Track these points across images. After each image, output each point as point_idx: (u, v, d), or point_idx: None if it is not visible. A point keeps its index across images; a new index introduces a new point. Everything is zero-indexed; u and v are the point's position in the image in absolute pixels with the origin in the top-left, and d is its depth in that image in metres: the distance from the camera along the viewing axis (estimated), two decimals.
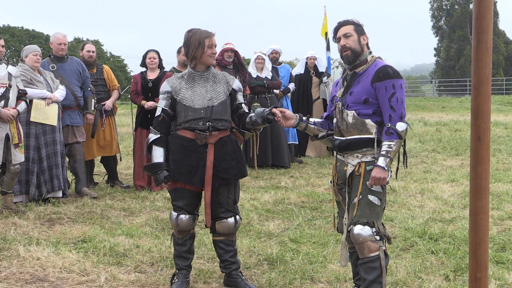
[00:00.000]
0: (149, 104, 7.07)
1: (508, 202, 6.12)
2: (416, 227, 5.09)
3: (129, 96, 7.56)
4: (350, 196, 3.36)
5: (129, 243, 4.75)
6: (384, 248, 3.27)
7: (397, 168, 3.47)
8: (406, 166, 3.49)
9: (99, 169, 8.39)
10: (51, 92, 6.38)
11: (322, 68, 10.19)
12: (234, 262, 3.85)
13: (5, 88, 5.67)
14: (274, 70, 9.36)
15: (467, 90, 36.53)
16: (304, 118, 3.60)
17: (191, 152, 3.71)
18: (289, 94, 9.94)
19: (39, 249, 4.54)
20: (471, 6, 47.85)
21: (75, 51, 28.36)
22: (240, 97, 3.90)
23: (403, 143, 3.37)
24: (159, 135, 3.79)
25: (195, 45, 3.70)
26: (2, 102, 5.61)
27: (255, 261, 4.34)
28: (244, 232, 5.11)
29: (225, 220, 3.78)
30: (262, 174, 8.31)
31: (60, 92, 6.47)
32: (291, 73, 9.88)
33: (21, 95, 5.87)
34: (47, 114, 6.27)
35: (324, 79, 10.02)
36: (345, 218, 3.40)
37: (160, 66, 7.39)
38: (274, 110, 3.61)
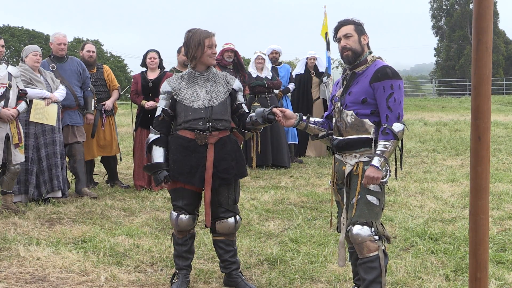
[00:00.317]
0: (149, 104, 7.07)
1: (508, 202, 6.12)
2: (416, 227, 5.09)
3: (129, 96, 7.56)
4: (349, 196, 3.37)
5: (129, 243, 4.76)
6: (383, 248, 3.28)
7: (396, 169, 3.47)
8: (401, 168, 3.49)
9: (99, 169, 8.39)
10: (51, 92, 6.38)
11: (322, 68, 10.19)
12: (234, 262, 3.85)
13: (5, 88, 5.67)
14: (274, 70, 9.36)
15: (467, 90, 36.53)
16: (304, 117, 3.60)
17: (191, 152, 3.71)
18: (289, 94, 9.94)
19: (39, 249, 4.54)
20: (471, 6, 47.84)
21: (75, 51, 28.37)
22: (240, 97, 3.90)
23: (400, 144, 3.37)
24: (159, 135, 3.79)
25: (195, 45, 3.70)
26: (2, 102, 5.61)
27: (255, 261, 4.34)
28: (244, 232, 5.11)
29: (225, 220, 3.78)
30: (262, 174, 8.31)
31: (60, 92, 6.47)
32: (291, 73, 9.88)
33: (21, 95, 5.87)
34: (46, 114, 6.27)
35: (324, 79, 10.02)
36: (343, 218, 3.40)
37: (161, 66, 7.39)
38: (275, 109, 3.61)
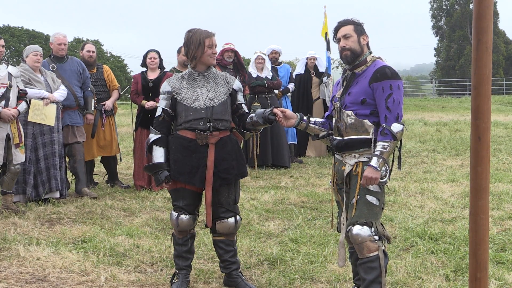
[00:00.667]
0: (149, 104, 7.07)
1: (508, 202, 6.12)
2: (416, 227, 5.09)
3: (129, 96, 7.56)
4: (349, 196, 3.37)
5: (129, 243, 4.76)
6: (383, 248, 3.28)
7: (391, 170, 3.46)
8: (399, 168, 3.49)
9: (99, 169, 8.39)
10: (51, 92, 6.37)
11: (322, 68, 10.19)
12: (234, 262, 3.85)
13: (5, 88, 5.67)
14: (274, 70, 9.36)
15: (467, 90, 36.53)
16: (304, 117, 3.60)
17: (192, 152, 3.71)
18: (289, 94, 9.94)
19: (39, 249, 4.55)
20: (471, 6, 47.85)
21: (75, 51, 28.37)
22: (240, 97, 3.90)
23: (399, 145, 3.36)
24: (159, 135, 3.79)
25: (195, 45, 3.70)
26: (3, 102, 5.61)
27: (255, 261, 4.34)
28: (244, 232, 5.11)
29: (225, 220, 3.78)
30: (262, 174, 8.31)
31: (60, 92, 6.47)
32: (291, 73, 9.88)
33: (22, 95, 5.87)
34: (45, 115, 6.26)
35: (324, 79, 10.02)
36: (343, 218, 3.40)
37: (161, 66, 7.39)
38: (275, 110, 3.61)
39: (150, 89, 7.17)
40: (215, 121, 3.72)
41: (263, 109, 3.72)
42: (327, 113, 3.65)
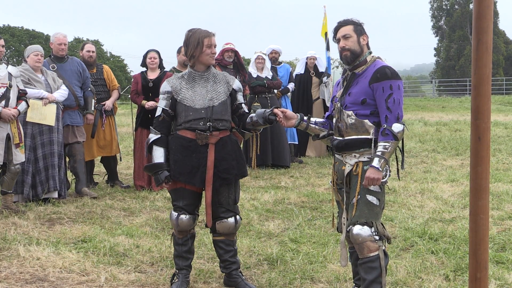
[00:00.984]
0: (149, 104, 7.07)
1: (508, 202, 6.12)
2: (416, 227, 5.09)
3: (129, 96, 7.56)
4: (349, 196, 3.37)
5: (129, 243, 4.76)
6: (383, 248, 3.28)
7: (397, 169, 3.47)
8: (403, 168, 3.49)
9: (99, 169, 8.39)
10: (51, 92, 6.37)
11: (322, 68, 10.19)
12: (234, 262, 3.85)
13: (5, 88, 5.67)
14: (273, 70, 9.36)
15: (467, 90, 36.53)
16: (305, 118, 3.60)
17: (192, 152, 3.71)
18: (289, 94, 9.93)
19: (39, 249, 4.54)
20: (471, 6, 47.84)
21: (75, 51, 28.36)
22: (240, 97, 3.90)
23: (400, 144, 3.36)
24: (159, 135, 3.79)
25: (194, 44, 3.71)
26: (3, 102, 5.61)
27: (255, 261, 4.34)
28: (244, 232, 5.11)
29: (225, 220, 3.78)
30: (262, 174, 8.31)
31: (60, 92, 6.47)
32: (291, 73, 9.88)
33: (22, 95, 5.87)
34: (44, 114, 6.26)
35: (324, 79, 10.02)
36: (344, 218, 3.40)
37: (161, 66, 7.39)
38: (276, 110, 3.61)
39: (150, 89, 7.18)
40: (215, 121, 3.72)
41: (263, 109, 3.72)
42: (327, 113, 3.65)
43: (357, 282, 3.53)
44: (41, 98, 6.25)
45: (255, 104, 8.70)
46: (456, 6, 52.93)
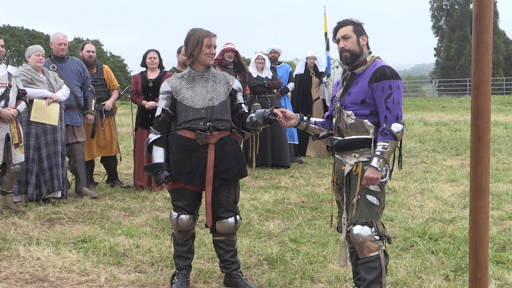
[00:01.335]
0: (149, 104, 7.07)
1: (508, 202, 6.12)
2: (416, 227, 5.09)
3: (129, 96, 7.56)
4: (349, 196, 3.37)
5: (129, 243, 4.76)
6: (384, 248, 3.28)
7: (391, 170, 3.46)
8: (401, 168, 3.49)
9: (99, 169, 8.39)
10: (53, 92, 6.38)
11: (322, 68, 10.19)
12: (234, 262, 3.85)
13: (5, 88, 5.67)
14: (273, 69, 9.36)
15: (467, 90, 36.52)
16: (305, 118, 3.60)
17: (192, 152, 3.71)
18: (289, 94, 9.93)
19: (39, 249, 4.54)
20: (471, 6, 47.85)
21: (75, 51, 28.36)
22: (240, 97, 3.90)
23: (399, 144, 3.36)
24: (159, 135, 3.79)
25: (194, 43, 3.71)
26: (2, 102, 5.61)
27: (255, 261, 4.34)
28: (244, 232, 5.11)
29: (225, 220, 3.78)
30: (262, 174, 8.31)
31: (62, 92, 6.48)
32: (290, 73, 9.87)
33: (21, 95, 5.87)
34: (47, 114, 6.27)
35: (324, 79, 10.01)
36: (344, 218, 3.40)
37: (160, 66, 7.39)
38: (276, 110, 3.61)
39: (150, 89, 7.18)
40: (215, 121, 3.72)
41: (263, 109, 3.72)
42: (327, 113, 3.65)
43: (357, 282, 3.53)
44: (45, 98, 6.26)
45: (255, 104, 8.70)
46: (456, 6, 52.94)
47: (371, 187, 3.23)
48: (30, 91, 6.12)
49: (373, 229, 3.22)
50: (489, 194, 2.02)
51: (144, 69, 7.42)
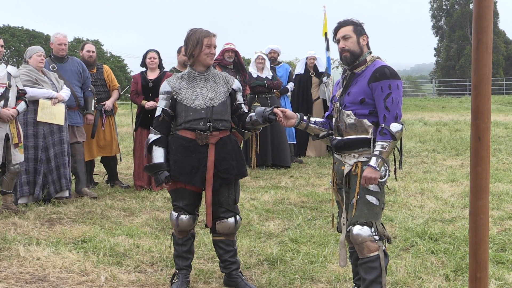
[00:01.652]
0: (149, 104, 7.07)
1: (508, 202, 6.12)
2: (416, 227, 5.09)
3: (129, 96, 7.56)
4: (348, 196, 3.37)
5: (129, 243, 4.76)
6: (383, 248, 3.28)
7: (395, 169, 3.47)
8: (401, 168, 3.49)
9: (99, 169, 8.39)
10: (57, 92, 6.39)
11: (322, 68, 10.19)
12: (234, 262, 3.85)
13: (4, 88, 5.67)
14: (272, 69, 9.36)
15: (467, 90, 36.52)
16: (305, 117, 3.60)
17: (192, 153, 3.71)
18: (289, 94, 9.93)
19: (39, 249, 4.54)
20: (471, 6, 47.85)
21: (75, 51, 28.37)
22: (239, 97, 3.90)
23: (398, 144, 3.36)
24: (159, 135, 3.79)
25: (194, 43, 3.71)
26: (2, 102, 5.61)
27: (255, 261, 4.34)
28: (244, 232, 5.11)
29: (225, 220, 3.78)
30: (262, 174, 8.31)
31: (65, 92, 6.49)
32: (290, 73, 9.87)
33: (21, 95, 5.87)
34: (53, 114, 6.29)
35: (324, 79, 10.02)
36: (344, 218, 3.40)
37: (160, 66, 7.39)
38: (276, 110, 3.61)
39: (150, 89, 7.18)
40: (215, 121, 3.72)
41: (262, 108, 3.72)
42: (327, 113, 3.65)
43: (357, 282, 3.53)
44: (50, 98, 6.27)
45: (255, 104, 8.71)
46: (456, 6, 52.94)
47: (371, 187, 3.23)
48: (36, 91, 6.14)
49: (372, 229, 3.22)
50: (489, 194, 2.02)
51: (144, 69, 7.42)
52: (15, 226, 5.32)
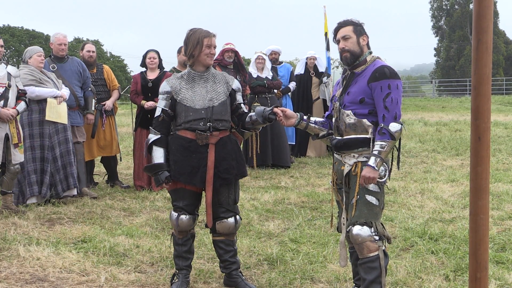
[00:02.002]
0: (149, 104, 7.07)
1: (508, 202, 6.12)
2: (416, 227, 5.09)
3: (129, 96, 7.56)
4: (348, 196, 3.37)
5: (129, 243, 4.76)
6: (383, 248, 3.27)
7: (390, 170, 3.46)
8: (398, 168, 3.49)
9: (99, 169, 8.39)
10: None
11: (322, 68, 10.19)
12: (234, 262, 3.85)
13: (4, 88, 5.67)
14: (273, 70, 9.36)
15: (467, 90, 36.51)
16: (305, 117, 3.61)
17: (192, 153, 3.71)
18: (290, 93, 9.93)
19: (39, 249, 4.54)
20: (471, 6, 47.84)
21: (75, 51, 28.36)
22: (239, 97, 3.90)
23: (397, 144, 3.36)
24: (159, 136, 3.79)
25: (194, 43, 3.71)
26: (2, 102, 5.61)
27: (255, 261, 4.34)
28: (244, 232, 5.11)
29: (225, 220, 3.78)
30: (262, 174, 8.31)
31: (66, 91, 6.50)
32: (292, 72, 9.87)
33: (21, 95, 5.87)
34: (59, 113, 6.32)
35: (324, 79, 10.01)
36: (344, 218, 3.40)
37: (160, 66, 7.39)
38: (276, 109, 3.61)
39: (149, 89, 7.18)
40: (215, 121, 3.72)
41: (262, 108, 3.72)
42: (327, 113, 3.65)
43: (357, 282, 3.53)
44: (55, 97, 6.27)
45: (255, 104, 8.70)
46: (456, 6, 52.94)
47: (370, 187, 3.23)
48: (43, 90, 6.16)
49: (372, 229, 3.22)
50: (489, 194, 2.02)
51: (144, 69, 7.42)
52: (15, 226, 5.33)
